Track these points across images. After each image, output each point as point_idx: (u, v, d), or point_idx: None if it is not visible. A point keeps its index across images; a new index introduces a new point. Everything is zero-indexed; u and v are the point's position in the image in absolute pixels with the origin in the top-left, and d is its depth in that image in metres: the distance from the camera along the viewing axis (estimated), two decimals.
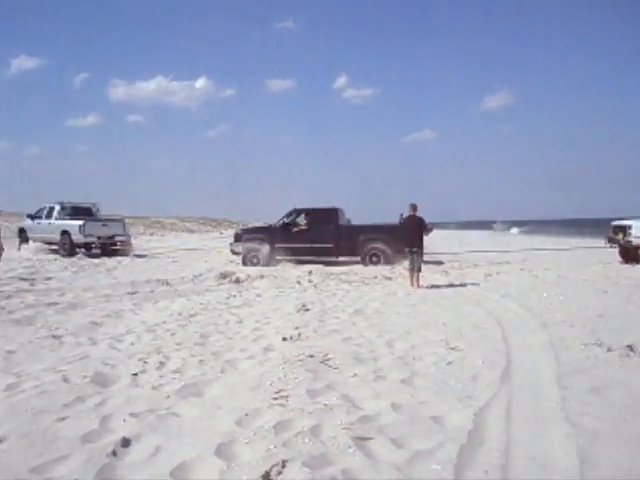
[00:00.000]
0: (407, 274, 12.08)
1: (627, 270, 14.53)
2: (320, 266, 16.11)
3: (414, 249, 11.61)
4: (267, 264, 16.88)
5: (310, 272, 14.42)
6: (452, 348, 6.02)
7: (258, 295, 10.49)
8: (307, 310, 8.64)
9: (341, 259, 17.49)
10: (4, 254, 13.78)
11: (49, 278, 12.74)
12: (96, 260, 17.98)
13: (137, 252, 21.87)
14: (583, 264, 16.52)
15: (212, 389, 4.67)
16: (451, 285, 12.05)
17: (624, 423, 3.76)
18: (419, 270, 11.65)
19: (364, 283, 12.37)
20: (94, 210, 22.50)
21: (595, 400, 4.25)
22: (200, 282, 12.53)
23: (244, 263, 17.20)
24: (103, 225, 20.88)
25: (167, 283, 12.06)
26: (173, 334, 6.85)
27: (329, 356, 5.60)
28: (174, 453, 3.37)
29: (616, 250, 17.73)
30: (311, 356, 5.59)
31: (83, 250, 20.52)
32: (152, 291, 10.82)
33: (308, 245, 17.22)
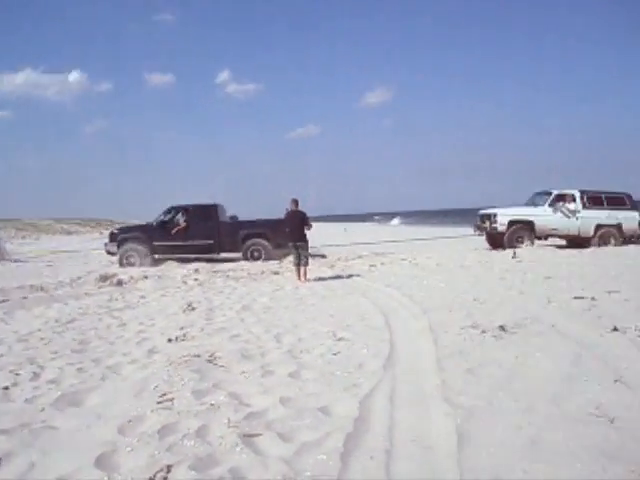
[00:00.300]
0: (294, 268, 12.16)
1: (498, 256, 15.50)
2: (206, 264, 15.83)
3: (299, 243, 11.72)
4: (145, 264, 16.34)
5: (196, 270, 14.14)
6: (339, 339, 6.13)
7: (142, 297, 10.12)
8: (193, 309, 8.46)
9: (224, 255, 17.33)
10: None
11: None
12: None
13: (14, 257, 20.40)
14: (458, 252, 17.48)
15: (92, 397, 4.44)
16: (337, 277, 12.28)
17: (497, 399, 4.00)
18: (306, 264, 11.77)
19: (252, 279, 12.31)
20: None
21: (471, 379, 4.49)
22: (78, 286, 11.91)
23: (120, 264, 16.52)
24: None
25: (42, 288, 11.34)
26: (48, 342, 6.45)
27: (216, 354, 5.51)
28: (50, 468, 3.17)
29: (484, 237, 19.06)
30: (197, 356, 5.47)
31: None
32: (25, 298, 10.12)
33: (188, 242, 16.96)
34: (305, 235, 11.88)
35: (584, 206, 17.86)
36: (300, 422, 3.71)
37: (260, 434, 3.51)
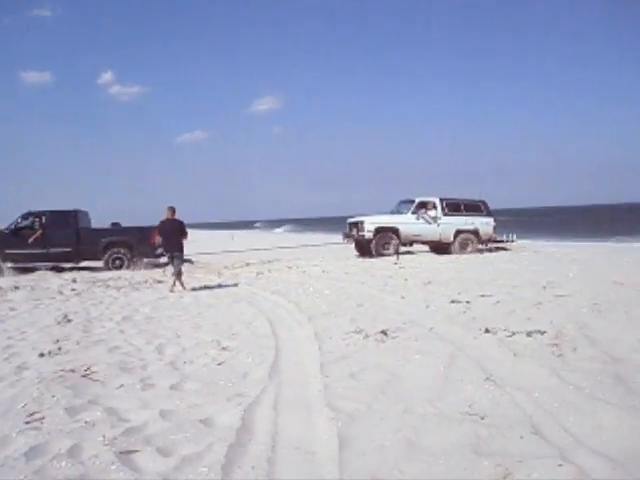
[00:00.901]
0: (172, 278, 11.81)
1: (381, 263, 16.00)
2: (86, 273, 15.09)
3: (175, 253, 11.32)
4: None
5: (74, 280, 13.43)
6: (223, 348, 6.04)
7: (12, 309, 9.43)
8: (69, 321, 8.01)
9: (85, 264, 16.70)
10: None
11: None
12: None
13: None
14: (339, 259, 17.88)
15: None
16: (224, 285, 12.13)
17: (377, 402, 4.09)
18: (179, 274, 11.41)
19: (134, 288, 11.87)
20: None
21: (353, 384, 4.58)
22: None
23: None
24: None
25: None
26: None
27: (92, 369, 5.23)
28: None
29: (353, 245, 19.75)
30: (72, 371, 5.17)
31: None
32: None
33: (44, 250, 16.27)
34: (181, 244, 11.42)
35: (444, 213, 18.90)
36: (181, 435, 3.60)
37: (138, 450, 3.37)
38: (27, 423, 3.89)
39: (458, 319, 7.06)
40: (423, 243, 19.38)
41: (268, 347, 6.05)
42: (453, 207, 19.13)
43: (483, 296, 8.72)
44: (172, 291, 11.11)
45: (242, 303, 9.41)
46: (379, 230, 18.36)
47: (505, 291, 9.27)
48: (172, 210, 11.40)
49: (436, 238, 18.89)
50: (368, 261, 16.70)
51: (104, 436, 3.57)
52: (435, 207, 18.77)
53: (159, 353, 5.95)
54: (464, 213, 19.15)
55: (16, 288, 11.96)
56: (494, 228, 19.38)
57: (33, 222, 16.44)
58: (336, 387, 4.48)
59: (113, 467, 3.14)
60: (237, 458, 3.23)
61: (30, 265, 16.11)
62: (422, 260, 16.68)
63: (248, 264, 16.87)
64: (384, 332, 6.35)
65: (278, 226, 74.33)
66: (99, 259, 16.55)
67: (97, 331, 7.28)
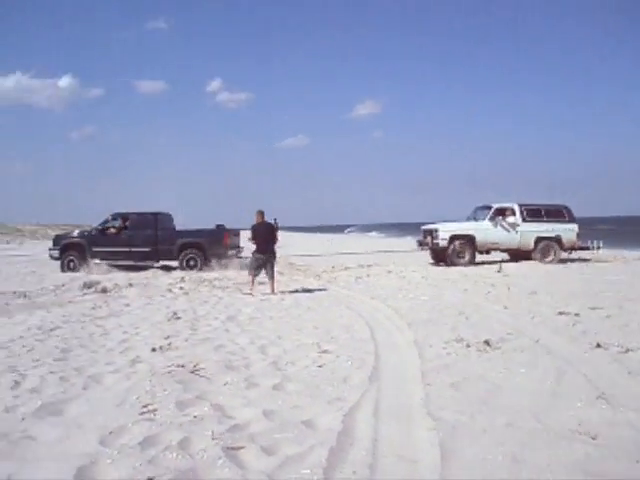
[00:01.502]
0: (279, 279, 12.06)
1: (483, 270, 15.59)
2: (192, 273, 15.76)
3: (268, 255, 11.52)
4: (84, 269, 16.69)
5: (182, 279, 14.06)
6: (323, 351, 6.12)
7: (126, 305, 10.04)
8: (178, 318, 8.41)
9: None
10: None
11: None
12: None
13: None
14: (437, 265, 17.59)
15: (73, 407, 4.38)
16: (323, 288, 12.26)
17: (480, 414, 4.00)
18: (272, 277, 11.63)
19: (237, 289, 12.25)
20: None
21: (455, 394, 4.50)
22: (62, 293, 11.80)
23: (62, 269, 17.03)
24: None
25: (25, 295, 11.22)
26: (30, 350, 6.37)
27: (200, 365, 5.47)
28: None
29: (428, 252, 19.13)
30: (181, 366, 5.43)
31: None
32: (7, 304, 10.01)
33: (126, 249, 17.24)
34: (274, 247, 11.69)
35: (523, 219, 17.99)
36: (283, 435, 3.68)
37: (243, 447, 3.49)
38: (141, 414, 4.13)
39: (566, 332, 6.76)
40: (501, 251, 18.64)
41: (367, 352, 6.07)
42: (533, 213, 18.17)
43: (593, 309, 8.30)
44: (252, 290, 11.41)
45: (341, 307, 9.48)
46: (454, 238, 17.79)
47: (616, 304, 8.77)
48: (262, 214, 11.67)
49: (515, 246, 18.11)
50: (468, 268, 16.30)
51: (212, 431, 3.72)
52: (514, 213, 17.97)
53: (262, 353, 6.12)
54: (545, 219, 18.16)
55: (130, 285, 12.70)
56: (578, 235, 18.25)
57: (119, 223, 17.62)
58: (437, 396, 4.42)
59: (220, 462, 3.27)
60: (338, 462, 3.27)
61: (115, 263, 17.19)
62: (526, 268, 16.09)
63: (347, 268, 16.96)
64: (487, 342, 6.19)
65: (370, 230, 74.06)
66: (175, 259, 17.21)
67: (204, 329, 7.60)
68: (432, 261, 18.55)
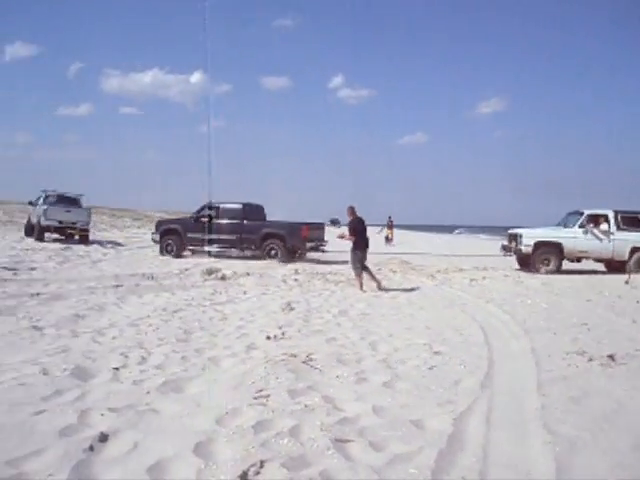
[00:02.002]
0: (392, 276, 12.02)
1: (609, 280, 14.64)
2: (307, 265, 16.09)
3: (365, 251, 11.67)
4: (179, 253, 18.35)
5: (296, 271, 14.39)
6: (435, 352, 6.04)
7: (243, 292, 10.45)
8: (292, 309, 8.63)
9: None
10: None
11: (33, 268, 12.62)
12: (81, 252, 17.87)
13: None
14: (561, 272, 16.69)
15: (193, 386, 4.65)
16: (437, 289, 12.08)
17: (602, 432, 3.78)
18: (364, 271, 11.68)
19: (350, 284, 12.34)
20: (80, 200, 22.91)
21: (574, 409, 4.27)
22: (185, 277, 12.48)
23: (161, 252, 18.57)
24: (66, 211, 22.08)
25: (152, 277, 12.00)
26: (156, 329, 6.82)
27: (312, 356, 5.59)
28: (152, 450, 3.35)
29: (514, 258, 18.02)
30: (294, 356, 5.58)
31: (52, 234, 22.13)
32: (137, 285, 10.76)
33: (215, 236, 18.24)
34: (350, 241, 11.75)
35: (618, 227, 16.52)
36: (392, 433, 3.68)
37: (352, 440, 3.53)
38: (255, 399, 4.30)
39: None
40: (594, 260, 17.23)
41: (481, 356, 5.91)
42: (630, 221, 16.62)
43: None
44: (362, 287, 11.41)
45: (454, 309, 9.29)
46: (539, 244, 16.79)
47: None
48: (353, 209, 11.76)
49: (607, 255, 16.69)
50: (596, 277, 15.37)
51: (322, 422, 3.80)
52: (607, 221, 16.58)
53: (372, 349, 6.14)
54: None
55: (247, 274, 13.18)
56: None
57: (210, 212, 18.60)
58: (555, 409, 4.23)
59: (329, 452, 3.33)
60: (446, 465, 3.22)
61: (206, 250, 18.37)
62: None
63: (461, 269, 16.57)
64: (611, 357, 5.82)
65: (479, 232, 71.55)
66: (258, 249, 18.00)
67: (316, 321, 7.74)
68: (518, 267, 17.70)
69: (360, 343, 6.42)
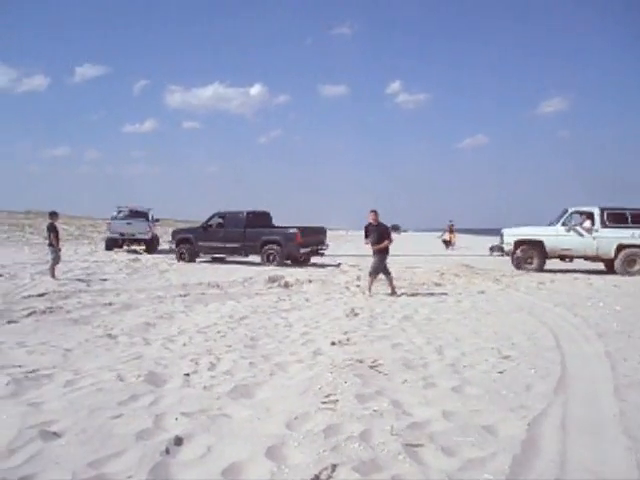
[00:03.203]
0: (457, 281, 11.81)
1: None
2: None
3: (377, 256, 11.37)
4: (191, 260, 19.40)
5: (358, 277, 14.37)
6: (504, 357, 5.91)
7: (307, 299, 10.52)
8: (356, 315, 8.62)
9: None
10: (61, 255, 14.31)
11: (105, 279, 13.10)
12: (149, 262, 18.43)
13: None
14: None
15: (262, 391, 4.71)
16: (502, 293, 11.82)
17: None
18: (388, 274, 11.48)
19: (413, 289, 12.25)
20: (150, 214, 24.34)
21: None
22: (249, 285, 12.67)
23: (177, 259, 19.54)
24: (127, 224, 24.04)
25: (218, 286, 12.24)
26: (224, 336, 6.95)
27: (378, 362, 5.57)
28: (225, 453, 3.41)
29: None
30: (360, 361, 5.57)
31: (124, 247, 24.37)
32: (203, 293, 11.00)
33: (221, 244, 19.27)
34: (383, 247, 11.38)
35: (604, 224, 16.11)
36: (464, 438, 3.63)
37: (423, 445, 3.50)
38: (323, 403, 4.31)
39: None
40: (585, 259, 16.96)
41: (553, 361, 5.74)
42: (617, 218, 16.16)
43: None
44: (369, 291, 11.25)
45: (522, 313, 9.07)
46: (520, 243, 16.78)
47: None
48: (375, 213, 11.45)
49: (591, 253, 16.41)
50: None
51: (391, 426, 3.78)
52: (592, 218, 16.23)
53: (439, 354, 6.07)
54: (630, 225, 16.01)
55: (310, 281, 13.26)
56: None
57: (216, 220, 19.67)
58: (634, 414, 4.07)
59: (400, 457, 3.31)
60: (522, 471, 3.15)
61: (214, 255, 19.90)
62: None
63: (527, 272, 16.17)
64: None
65: None
66: (258, 254, 18.59)
67: (380, 327, 7.71)
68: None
69: (426, 348, 6.35)
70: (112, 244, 24.41)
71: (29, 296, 9.95)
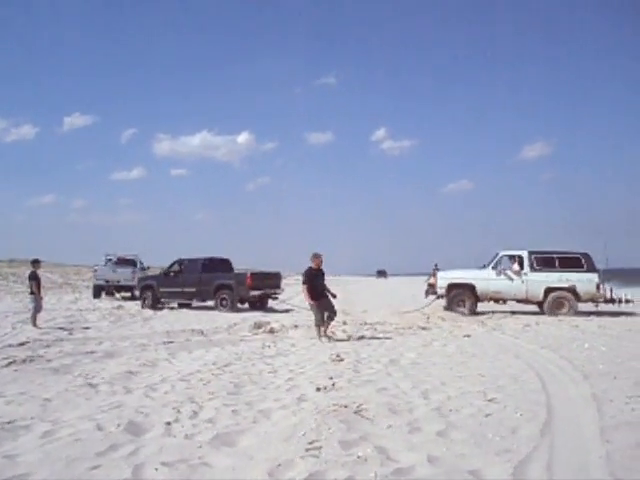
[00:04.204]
0: (443, 324, 11.79)
1: None
2: (354, 317, 16.00)
3: (323, 301, 11.27)
4: (154, 306, 19.63)
5: (344, 322, 14.31)
6: (490, 400, 5.86)
7: (292, 345, 10.43)
8: (341, 360, 8.54)
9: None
10: (43, 303, 14.16)
11: (87, 327, 12.97)
12: (133, 310, 18.28)
13: None
14: (616, 313, 16.23)
15: (245, 439, 4.62)
16: (488, 335, 11.80)
17: None
18: (329, 319, 11.35)
19: (399, 333, 12.20)
20: (136, 261, 24.87)
21: None
22: (234, 332, 12.56)
23: (142, 305, 19.90)
24: (113, 271, 24.89)
25: (202, 333, 12.13)
26: (207, 383, 6.84)
27: (363, 406, 5.50)
28: None
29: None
30: (345, 406, 5.50)
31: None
32: (187, 340, 10.88)
33: (180, 289, 19.69)
34: (327, 292, 11.40)
35: (532, 268, 16.61)
36: None
37: None
38: (307, 450, 4.24)
39: None
40: (517, 301, 17.23)
41: (539, 403, 5.71)
42: (544, 262, 16.70)
43: None
44: (320, 337, 11.09)
45: (508, 355, 9.04)
46: (452, 286, 17.04)
47: None
48: (318, 257, 11.42)
49: (521, 296, 16.83)
50: None
51: (375, 472, 3.71)
52: (520, 261, 16.69)
53: (425, 398, 6.00)
54: (558, 268, 16.54)
55: (295, 327, 13.17)
56: (598, 286, 16.26)
57: (176, 267, 20.26)
58: (620, 456, 4.03)
59: None
60: None
61: (171, 301, 20.28)
62: None
63: (513, 314, 16.21)
64: None
65: None
66: (212, 299, 19.10)
67: (366, 371, 7.64)
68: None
69: (412, 392, 6.29)
70: (99, 291, 25.20)
71: (9, 345, 9.80)
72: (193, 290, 19.42)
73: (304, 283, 11.25)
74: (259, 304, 19.28)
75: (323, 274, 11.58)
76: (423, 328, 13.13)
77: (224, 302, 18.64)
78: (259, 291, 18.87)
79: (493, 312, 16.64)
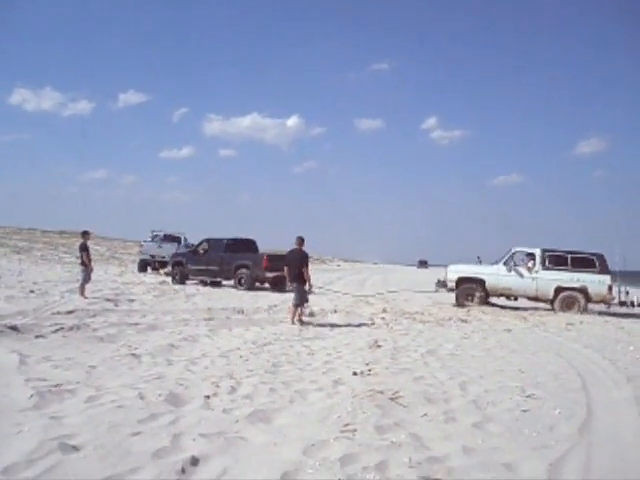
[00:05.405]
0: (483, 317, 11.68)
1: None
2: (394, 305, 15.97)
3: (294, 283, 11.33)
4: (182, 282, 20.40)
5: (384, 310, 14.31)
6: (528, 396, 5.79)
7: (331, 329, 10.49)
8: (379, 347, 8.55)
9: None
10: (92, 275, 14.58)
11: (132, 300, 13.28)
12: (177, 286, 18.65)
13: None
14: None
15: (280, 417, 4.70)
16: (529, 332, 11.62)
17: None
18: (297, 305, 11.23)
19: (438, 324, 12.12)
20: (182, 238, 25.67)
21: None
22: (274, 313, 12.69)
23: (172, 280, 20.70)
24: (158, 247, 26.29)
25: (242, 312, 12.29)
26: (246, 361, 6.96)
27: (399, 394, 5.51)
28: (240, 476, 3.41)
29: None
30: (381, 392, 5.52)
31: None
32: (228, 318, 11.06)
33: (204, 267, 20.42)
34: (302, 275, 11.24)
35: (544, 266, 16.24)
36: (483, 475, 3.56)
37: (440, 479, 3.44)
38: (341, 432, 4.29)
39: None
40: (529, 299, 16.85)
41: (578, 403, 5.61)
42: (557, 260, 16.34)
43: None
44: (293, 323, 11.00)
45: (549, 353, 8.89)
46: (462, 280, 16.85)
47: None
48: (300, 240, 11.45)
49: (531, 293, 16.50)
50: None
51: (409, 458, 3.73)
52: (533, 259, 16.35)
53: (462, 390, 5.97)
54: (570, 268, 16.11)
55: (335, 312, 13.24)
56: (609, 288, 15.83)
57: (205, 245, 20.99)
58: None
59: None
60: None
61: (198, 278, 20.81)
62: None
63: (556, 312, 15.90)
64: None
65: None
66: (232, 278, 19.75)
67: (403, 359, 7.63)
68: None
69: (449, 383, 6.26)
70: (144, 265, 26.62)
71: (58, 313, 10.13)
72: (216, 269, 20.12)
73: (307, 265, 11.45)
74: (278, 285, 19.21)
75: (299, 257, 11.51)
76: (463, 320, 13.01)
77: (242, 281, 19.33)
78: (275, 272, 18.79)
79: (535, 309, 16.37)
